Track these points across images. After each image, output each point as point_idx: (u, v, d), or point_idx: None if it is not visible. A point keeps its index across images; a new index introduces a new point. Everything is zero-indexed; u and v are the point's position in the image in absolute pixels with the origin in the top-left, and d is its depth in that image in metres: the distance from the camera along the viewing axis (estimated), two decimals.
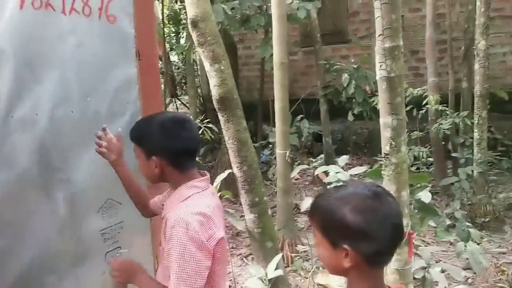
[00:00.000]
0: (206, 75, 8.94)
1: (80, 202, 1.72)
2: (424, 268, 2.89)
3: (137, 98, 1.89)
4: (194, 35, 2.64)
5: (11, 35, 1.43)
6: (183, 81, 9.56)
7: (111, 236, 1.85)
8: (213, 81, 2.68)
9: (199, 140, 1.47)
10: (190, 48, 5.35)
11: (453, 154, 5.00)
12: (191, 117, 1.45)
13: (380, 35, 2.14)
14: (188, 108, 8.61)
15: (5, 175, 1.45)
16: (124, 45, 1.83)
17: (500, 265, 3.26)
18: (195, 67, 6.91)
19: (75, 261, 1.72)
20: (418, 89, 5.02)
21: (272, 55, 5.45)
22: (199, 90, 7.65)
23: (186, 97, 9.73)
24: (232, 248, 3.64)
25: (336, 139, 6.79)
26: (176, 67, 9.26)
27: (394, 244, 1.00)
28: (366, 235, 0.97)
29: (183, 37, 8.65)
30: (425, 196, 2.93)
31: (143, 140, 1.39)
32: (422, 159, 5.32)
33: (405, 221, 2.32)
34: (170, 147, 1.36)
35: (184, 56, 7.77)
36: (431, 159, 5.28)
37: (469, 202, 4.26)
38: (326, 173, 2.81)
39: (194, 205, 1.34)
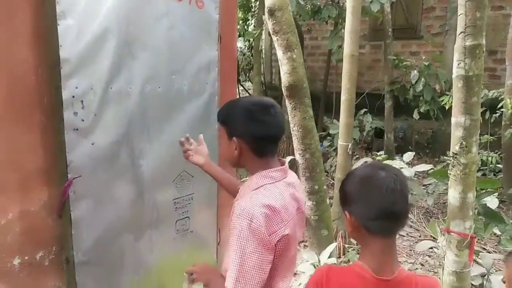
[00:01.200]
0: (271, 63, 9.04)
1: (158, 171, 1.88)
2: (483, 275, 2.82)
3: (215, 80, 2.01)
4: (270, 23, 2.72)
5: (116, 16, 1.59)
6: (246, 67, 9.73)
7: (182, 205, 2.00)
8: (284, 69, 2.75)
9: (283, 127, 1.43)
10: (259, 35, 5.45)
11: None
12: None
13: (462, 32, 2.10)
14: (250, 94, 8.79)
15: (102, 139, 1.63)
16: (209, 29, 1.95)
17: None
18: (262, 55, 7.03)
19: (150, 224, 1.89)
20: (494, 91, 4.77)
21: (339, 47, 5.44)
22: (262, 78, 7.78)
23: (248, 83, 9.92)
24: None
25: (398, 137, 6.63)
26: (242, 53, 9.44)
27: (388, 209, 1.13)
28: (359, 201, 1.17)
29: (251, 24, 8.79)
30: (492, 201, 2.85)
31: (227, 120, 1.41)
32: (491, 165, 5.08)
33: (468, 224, 2.28)
34: (251, 130, 1.36)
35: (250, 43, 7.90)
36: (499, 166, 5.03)
37: None
38: None
39: (263, 196, 1.31)
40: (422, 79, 5.27)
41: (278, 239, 1.28)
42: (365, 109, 5.99)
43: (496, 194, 2.94)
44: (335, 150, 4.99)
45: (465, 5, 2.06)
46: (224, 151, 1.46)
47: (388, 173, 1.16)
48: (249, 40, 7.30)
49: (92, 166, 1.61)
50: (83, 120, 1.55)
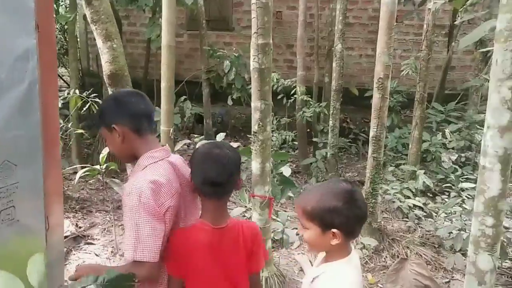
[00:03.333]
0: (87, 48, 8.58)
1: None
2: (282, 231, 3.50)
3: (35, 68, 2.03)
4: (88, 12, 2.78)
5: None
6: (59, 52, 9.02)
7: (7, 195, 1.98)
8: (105, 58, 2.86)
9: (150, 104, 1.61)
10: (74, 19, 5.22)
11: (314, 139, 5.83)
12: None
13: (255, 33, 2.60)
14: (65, 82, 8.21)
15: None
16: (25, 18, 1.95)
17: None
18: (77, 39, 6.69)
19: None
20: (288, 80, 5.71)
21: (158, 35, 5.64)
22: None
23: (62, 69, 9.21)
24: (114, 219, 3.83)
25: (216, 122, 7.24)
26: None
27: (212, 178, 1.49)
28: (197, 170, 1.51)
29: (62, 5, 8.17)
30: (285, 170, 3.52)
31: (103, 116, 1.56)
32: (289, 143, 6.09)
33: (267, 188, 2.86)
34: (124, 112, 1.52)
35: (63, 26, 7.39)
36: (297, 143, 6.07)
37: (323, 179, 5.09)
38: None
39: (149, 174, 1.48)
40: (234, 68, 5.91)
41: (165, 210, 1.47)
42: (184, 96, 6.36)
43: (288, 164, 3.66)
44: (158, 136, 5.22)
45: (256, 10, 2.56)
46: (111, 147, 1.59)
47: (222, 150, 1.53)
48: (61, 23, 6.82)
49: None
50: None
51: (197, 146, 1.69)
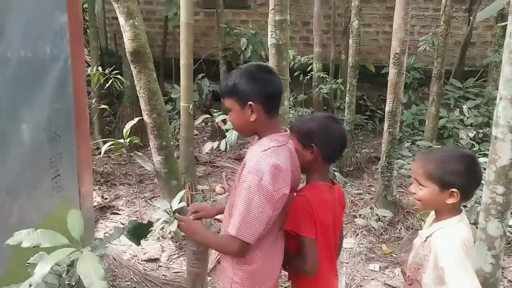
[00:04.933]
0: (105, 27, 8.63)
1: (37, 133, 1.99)
2: None
3: (67, 43, 2.15)
4: None
5: None
6: None
7: (55, 164, 2.14)
8: (127, 35, 2.95)
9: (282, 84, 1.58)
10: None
11: None
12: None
13: (272, 9, 2.66)
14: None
15: None
16: None
17: (356, 201, 4.18)
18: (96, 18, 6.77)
19: (28, 185, 2.00)
20: (305, 57, 5.73)
21: (175, 14, 5.71)
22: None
23: None
24: (136, 192, 4.00)
25: None
26: None
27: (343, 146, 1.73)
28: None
29: None
30: None
31: (236, 89, 1.48)
32: None
33: None
34: (263, 90, 1.47)
35: (82, 6, 7.48)
36: None
37: None
38: (225, 122, 3.32)
39: (271, 157, 1.47)
40: (250, 46, 5.95)
41: (279, 196, 1.48)
42: (202, 74, 6.45)
43: None
44: (177, 113, 5.34)
45: None
46: (237, 121, 1.55)
47: (339, 124, 1.73)
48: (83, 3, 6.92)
49: None
50: None
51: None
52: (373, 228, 3.59)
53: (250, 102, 1.47)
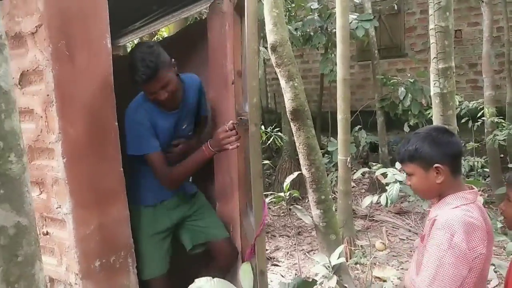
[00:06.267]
0: (266, 88, 9.37)
1: None
2: None
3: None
4: (273, 58, 3.15)
5: None
6: None
7: None
8: (288, 96, 3.17)
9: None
10: (259, 66, 5.90)
11: (510, 165, 5.13)
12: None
13: (435, 58, 2.54)
14: None
15: None
16: None
17: None
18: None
19: None
20: (473, 102, 5.23)
21: (331, 70, 5.92)
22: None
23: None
24: (295, 244, 4.08)
25: (391, 150, 7.05)
26: None
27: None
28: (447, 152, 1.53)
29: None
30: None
31: (419, 154, 1.51)
32: (478, 170, 5.49)
33: None
34: (447, 151, 1.49)
35: None
36: (486, 170, 5.44)
37: None
38: (385, 175, 3.20)
39: (463, 214, 1.41)
40: (409, 94, 5.72)
41: (476, 256, 1.39)
42: (359, 126, 6.42)
43: (479, 193, 3.32)
44: (334, 166, 5.38)
45: (435, 35, 2.52)
46: (420, 185, 1.54)
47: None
48: None
49: None
50: None
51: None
52: None
53: (436, 165, 1.49)
